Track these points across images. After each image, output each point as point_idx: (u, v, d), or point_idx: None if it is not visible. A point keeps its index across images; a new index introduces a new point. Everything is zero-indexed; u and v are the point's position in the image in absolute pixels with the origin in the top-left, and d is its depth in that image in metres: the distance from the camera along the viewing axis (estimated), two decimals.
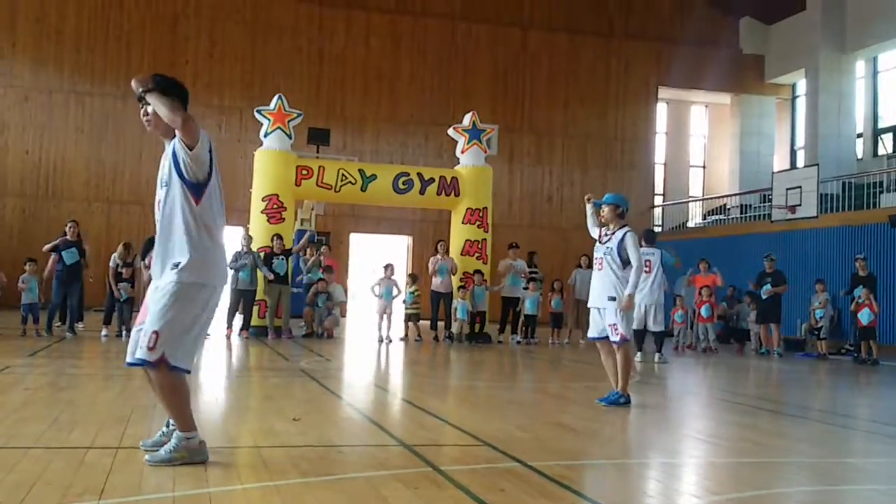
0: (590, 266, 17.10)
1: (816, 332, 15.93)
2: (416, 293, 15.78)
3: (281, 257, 14.74)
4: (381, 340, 14.86)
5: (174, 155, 4.44)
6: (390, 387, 9.42)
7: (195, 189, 4.43)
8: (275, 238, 14.85)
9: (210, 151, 4.46)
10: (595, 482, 4.53)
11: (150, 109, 4.49)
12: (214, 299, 4.55)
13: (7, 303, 13.67)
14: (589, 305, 8.12)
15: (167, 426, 4.68)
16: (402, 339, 15.21)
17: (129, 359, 4.47)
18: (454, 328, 15.58)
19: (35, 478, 4.06)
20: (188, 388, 4.57)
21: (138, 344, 4.40)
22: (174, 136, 4.47)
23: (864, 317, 14.66)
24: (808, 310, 17.27)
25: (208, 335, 12.78)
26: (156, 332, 4.33)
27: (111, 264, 13.43)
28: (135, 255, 13.43)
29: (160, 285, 4.44)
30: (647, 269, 13.02)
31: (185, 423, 4.47)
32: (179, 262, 4.40)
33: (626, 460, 5.31)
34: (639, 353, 13.04)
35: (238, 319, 14.62)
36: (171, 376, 4.41)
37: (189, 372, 4.52)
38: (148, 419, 5.89)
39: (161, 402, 4.57)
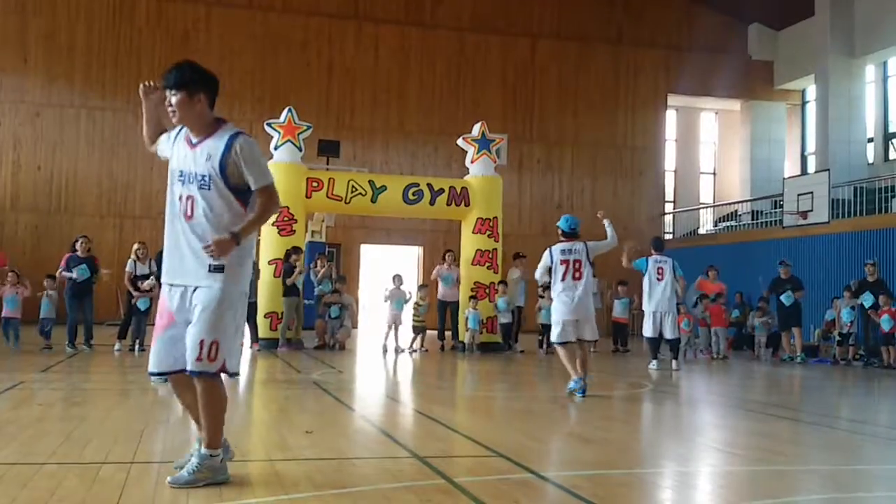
0: (594, 275, 17.21)
1: (839, 338, 15.76)
2: (424, 303, 15.76)
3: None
4: (385, 351, 14.91)
5: (224, 161, 4.26)
6: (402, 398, 9.42)
7: (242, 195, 4.32)
8: (295, 251, 14.91)
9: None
10: (609, 492, 4.51)
11: (175, 101, 4.32)
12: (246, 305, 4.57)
13: (22, 318, 13.71)
14: (575, 317, 8.96)
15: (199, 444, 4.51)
16: (411, 352, 15.17)
17: (188, 367, 4.26)
18: (466, 337, 15.57)
19: (49, 494, 4.06)
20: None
21: (195, 354, 4.23)
22: (206, 134, 4.35)
23: (886, 323, 14.60)
24: (821, 316, 17.19)
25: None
26: (215, 342, 4.23)
27: (127, 269, 13.42)
28: (150, 259, 13.31)
29: (203, 291, 4.27)
30: (660, 277, 13.00)
31: (217, 438, 4.37)
32: (222, 265, 4.25)
33: (641, 470, 5.29)
34: (654, 362, 13.01)
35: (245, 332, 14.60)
36: (220, 387, 4.37)
37: (238, 374, 4.48)
38: (162, 434, 5.90)
39: (203, 413, 4.38)
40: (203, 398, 4.36)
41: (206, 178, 4.30)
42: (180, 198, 4.38)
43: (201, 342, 4.24)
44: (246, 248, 4.40)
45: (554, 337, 9.10)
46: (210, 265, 4.28)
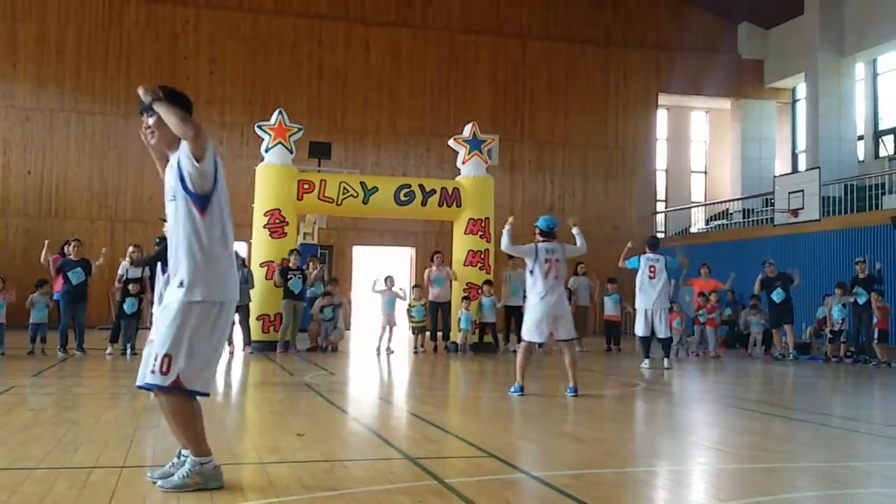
0: (585, 273, 17.34)
1: (830, 336, 15.80)
2: (424, 305, 15.76)
3: (298, 274, 14.80)
4: (379, 353, 14.89)
5: (179, 167, 4.28)
6: (395, 399, 9.41)
7: (200, 201, 4.27)
8: (291, 253, 14.91)
9: (216, 163, 4.32)
10: (601, 492, 4.51)
11: (151, 122, 4.37)
12: (225, 316, 4.36)
13: (13, 323, 13.68)
14: (558, 313, 9.10)
15: (178, 456, 4.48)
16: (415, 352, 15.26)
17: (139, 381, 4.29)
18: (458, 338, 15.57)
19: (39, 499, 4.05)
20: (201, 410, 4.40)
21: (149, 367, 4.23)
22: (178, 147, 4.34)
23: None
24: (812, 313, 17.22)
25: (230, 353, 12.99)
26: (168, 356, 4.16)
27: (119, 272, 13.40)
28: (144, 266, 13.25)
29: (167, 303, 4.29)
30: (652, 276, 13.01)
31: (199, 446, 4.31)
32: (183, 280, 4.24)
33: (633, 469, 5.29)
34: (646, 361, 13.01)
35: (237, 335, 14.56)
36: (183, 401, 4.27)
37: (207, 395, 4.38)
38: (152, 438, 5.89)
39: (173, 428, 4.39)
40: (166, 412, 4.36)
41: (174, 189, 4.35)
42: (168, 216, 4.47)
43: (155, 355, 4.22)
44: (209, 262, 4.29)
45: (525, 334, 9.15)
46: (178, 281, 4.29)
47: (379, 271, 16.68)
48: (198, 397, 4.34)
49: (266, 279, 15.02)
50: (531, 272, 9.10)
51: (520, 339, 15.67)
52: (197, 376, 4.26)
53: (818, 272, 18.56)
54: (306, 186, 15.67)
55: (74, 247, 13.38)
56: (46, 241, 13.75)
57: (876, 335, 14.69)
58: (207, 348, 4.29)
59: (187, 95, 4.50)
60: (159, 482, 4.33)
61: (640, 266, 13.08)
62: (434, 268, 15.93)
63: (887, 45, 22.75)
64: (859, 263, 15.47)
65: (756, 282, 16.42)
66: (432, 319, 15.95)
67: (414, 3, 25.42)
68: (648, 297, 12.98)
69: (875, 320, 14.70)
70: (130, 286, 13.15)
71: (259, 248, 15.45)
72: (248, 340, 14.49)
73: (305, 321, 15.87)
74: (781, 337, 16.04)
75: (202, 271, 4.27)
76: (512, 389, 8.98)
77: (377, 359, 14.22)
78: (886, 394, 10.95)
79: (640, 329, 13.18)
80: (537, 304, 9.04)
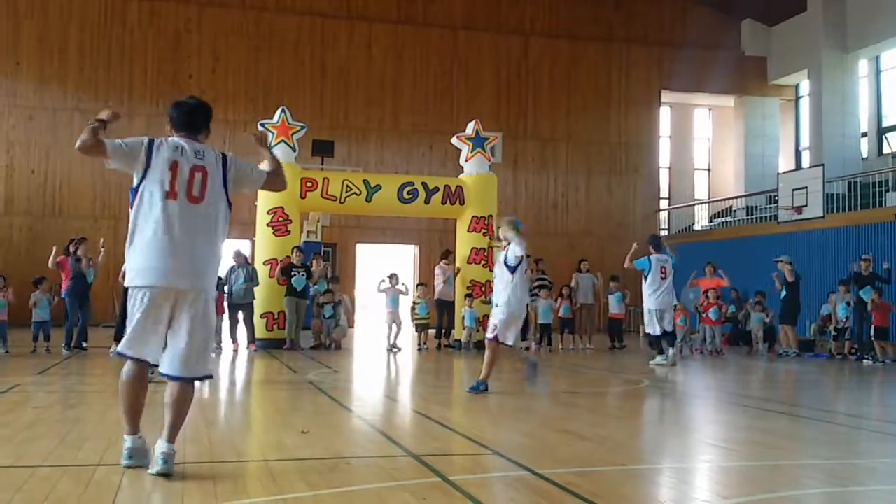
0: (588, 270, 17.30)
1: (834, 333, 15.77)
2: (421, 301, 15.78)
3: (301, 271, 14.81)
4: (389, 349, 14.93)
5: None
6: (399, 397, 9.41)
7: (131, 194, 4.71)
8: (294, 250, 14.93)
9: (149, 152, 4.69)
10: (605, 489, 4.50)
11: None
12: (150, 299, 4.65)
13: (16, 321, 13.70)
14: (522, 314, 8.91)
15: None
16: (419, 349, 15.30)
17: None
18: (462, 336, 15.57)
19: (43, 497, 4.05)
20: (133, 390, 4.71)
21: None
22: None
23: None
24: (817, 311, 17.19)
25: (219, 348, 13.02)
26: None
27: (123, 268, 13.42)
28: None
29: None
30: (663, 276, 13.00)
31: (127, 424, 4.73)
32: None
33: (637, 466, 5.28)
34: (658, 357, 13.01)
35: (241, 333, 14.57)
36: (122, 372, 4.70)
37: (126, 356, 4.68)
38: (156, 436, 5.87)
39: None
40: None
41: None
42: None
43: None
44: (132, 251, 4.71)
45: (510, 339, 8.72)
46: None
47: (382, 269, 16.67)
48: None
49: (270, 277, 15.03)
50: (507, 264, 8.68)
51: (524, 338, 15.79)
52: (130, 345, 4.68)
53: (822, 269, 18.53)
54: (309, 184, 15.67)
55: (82, 247, 13.44)
56: (54, 247, 13.79)
57: (873, 332, 14.64)
58: (133, 323, 4.71)
59: (183, 104, 5.00)
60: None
61: (652, 267, 13.04)
62: (447, 266, 16.01)
63: (890, 42, 22.73)
64: (864, 261, 15.39)
65: (776, 281, 16.26)
66: (439, 317, 15.97)
67: (416, 1, 25.41)
68: (662, 297, 12.98)
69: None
70: None
71: (262, 246, 15.46)
72: (251, 338, 14.50)
73: (308, 319, 15.88)
74: (786, 334, 16.02)
75: (129, 258, 4.71)
76: (475, 385, 8.69)
77: (386, 356, 14.22)
78: (890, 391, 10.94)
79: (654, 328, 13.14)
80: (521, 299, 8.76)
